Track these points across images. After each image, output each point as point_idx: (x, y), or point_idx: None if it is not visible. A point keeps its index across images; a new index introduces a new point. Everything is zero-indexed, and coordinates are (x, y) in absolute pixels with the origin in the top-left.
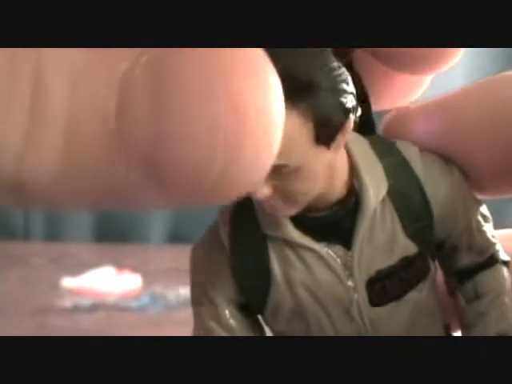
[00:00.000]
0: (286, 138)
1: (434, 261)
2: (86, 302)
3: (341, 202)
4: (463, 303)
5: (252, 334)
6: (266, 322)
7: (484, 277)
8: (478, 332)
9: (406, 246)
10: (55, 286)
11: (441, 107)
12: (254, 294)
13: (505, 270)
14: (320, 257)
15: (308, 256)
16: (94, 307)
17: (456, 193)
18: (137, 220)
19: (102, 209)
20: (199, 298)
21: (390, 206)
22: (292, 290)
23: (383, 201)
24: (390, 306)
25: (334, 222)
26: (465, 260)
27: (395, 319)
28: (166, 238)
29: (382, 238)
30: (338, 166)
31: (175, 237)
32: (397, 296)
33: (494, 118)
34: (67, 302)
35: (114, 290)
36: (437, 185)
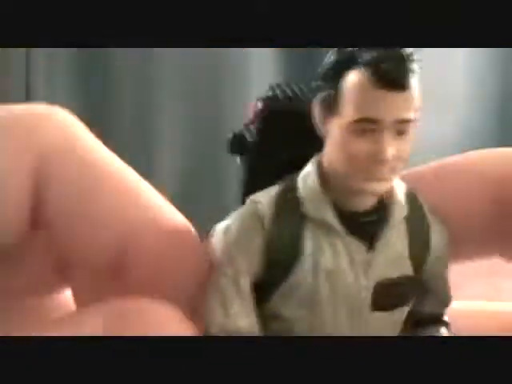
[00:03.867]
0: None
1: None
2: None
3: (373, 210)
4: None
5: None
6: (269, 308)
7: (434, 331)
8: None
9: (406, 267)
10: None
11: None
12: (278, 269)
13: (447, 331)
14: (348, 249)
15: (338, 245)
16: None
17: (447, 241)
18: None
19: None
20: (225, 261)
21: (404, 229)
22: (315, 272)
23: (401, 222)
24: (382, 315)
25: (365, 223)
26: (428, 306)
27: (379, 329)
28: None
29: (395, 253)
30: None
31: None
32: (390, 308)
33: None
34: None
35: None
36: (438, 225)
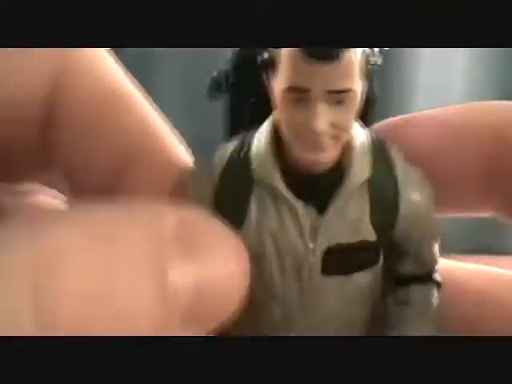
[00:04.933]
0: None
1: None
2: None
3: (328, 172)
4: (391, 301)
5: None
6: None
7: (418, 290)
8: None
9: (368, 232)
10: None
11: (437, 121)
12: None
13: (435, 292)
14: (294, 212)
15: (284, 208)
16: None
17: (425, 205)
18: None
19: None
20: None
21: (365, 192)
22: (260, 234)
23: (362, 185)
24: (338, 280)
25: (317, 186)
26: (407, 267)
27: (337, 295)
28: None
29: (351, 217)
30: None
31: None
32: (344, 272)
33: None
34: None
35: None
36: (412, 191)
